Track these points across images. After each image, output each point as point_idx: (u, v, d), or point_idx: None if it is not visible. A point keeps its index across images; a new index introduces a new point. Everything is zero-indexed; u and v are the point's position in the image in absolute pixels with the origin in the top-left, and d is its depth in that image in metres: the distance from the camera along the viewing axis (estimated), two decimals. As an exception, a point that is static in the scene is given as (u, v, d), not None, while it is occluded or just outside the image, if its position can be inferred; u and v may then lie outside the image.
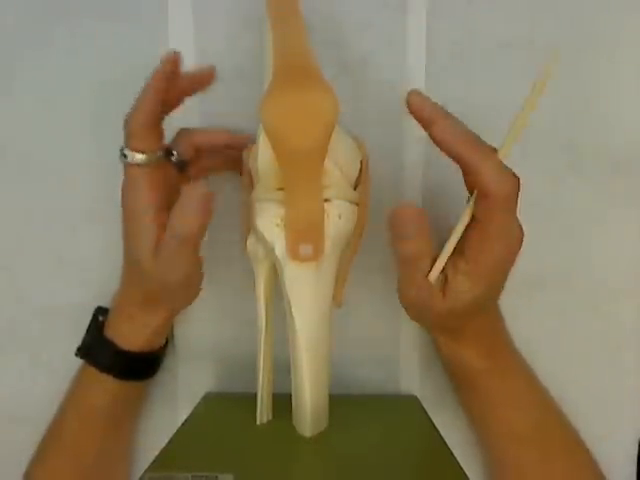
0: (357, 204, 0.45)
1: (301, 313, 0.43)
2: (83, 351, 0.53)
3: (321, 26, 0.53)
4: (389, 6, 0.54)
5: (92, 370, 0.51)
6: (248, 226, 0.46)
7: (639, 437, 0.57)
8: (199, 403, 0.53)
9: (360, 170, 0.46)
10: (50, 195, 0.56)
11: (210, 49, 0.55)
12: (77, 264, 0.56)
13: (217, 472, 0.38)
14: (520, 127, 0.42)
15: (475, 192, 0.42)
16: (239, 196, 0.50)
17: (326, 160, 0.42)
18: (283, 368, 0.46)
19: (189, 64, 0.55)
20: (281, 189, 0.43)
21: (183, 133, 0.51)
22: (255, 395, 0.48)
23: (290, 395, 0.46)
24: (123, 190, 0.47)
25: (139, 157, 0.46)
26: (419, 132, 0.52)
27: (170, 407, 0.57)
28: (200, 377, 0.57)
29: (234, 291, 0.53)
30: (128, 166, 0.47)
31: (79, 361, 0.53)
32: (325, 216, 0.43)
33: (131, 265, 0.49)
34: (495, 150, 0.42)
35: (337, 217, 0.43)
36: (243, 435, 0.46)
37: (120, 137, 0.55)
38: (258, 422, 0.48)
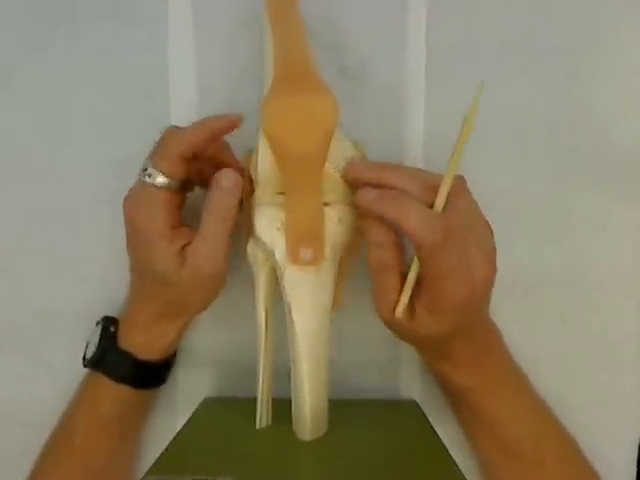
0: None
1: (301, 317, 0.43)
2: (94, 362, 0.52)
3: (320, 28, 0.53)
4: (389, 7, 0.54)
5: (104, 380, 0.51)
6: (248, 230, 0.46)
7: (639, 437, 0.57)
8: (198, 408, 0.53)
9: (360, 173, 0.46)
10: (50, 195, 0.56)
11: (210, 49, 0.55)
12: (77, 265, 0.56)
13: (216, 476, 0.38)
14: (458, 157, 0.42)
15: None
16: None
17: (326, 164, 0.42)
18: (283, 372, 0.46)
19: (189, 64, 0.55)
20: (281, 193, 0.43)
21: (177, 158, 0.46)
22: (254, 400, 0.48)
23: (289, 400, 0.46)
24: (133, 208, 0.46)
25: (162, 180, 0.45)
26: (419, 133, 0.53)
27: (169, 412, 0.57)
28: (199, 382, 0.57)
29: (234, 295, 0.53)
30: (146, 185, 0.45)
31: (80, 361, 0.53)
32: (325, 220, 0.43)
33: (149, 280, 0.48)
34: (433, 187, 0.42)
35: (337, 221, 0.44)
36: (242, 439, 0.46)
37: (119, 136, 0.55)
38: (257, 426, 0.48)
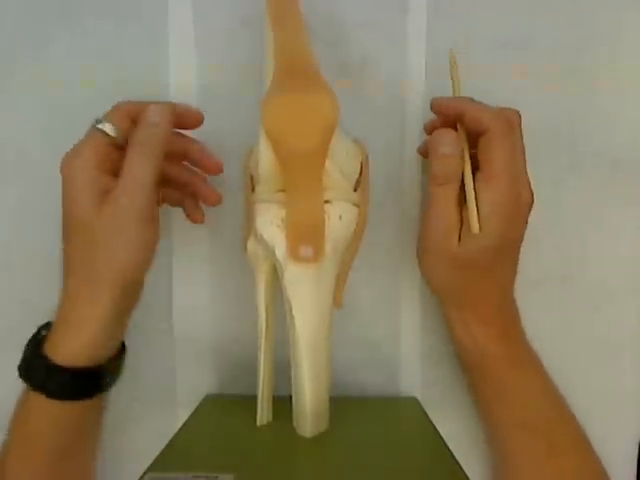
0: (357, 205, 0.45)
1: (302, 314, 0.43)
2: (21, 370, 0.47)
3: (321, 26, 0.53)
4: (389, 6, 0.54)
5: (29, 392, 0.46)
6: (249, 227, 0.46)
7: (639, 437, 0.57)
8: (199, 405, 0.53)
9: (360, 171, 0.46)
10: (50, 195, 0.56)
11: (210, 49, 0.55)
12: (77, 265, 0.56)
13: (217, 472, 0.39)
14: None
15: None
16: (240, 197, 0.50)
17: (327, 161, 0.42)
18: (283, 369, 0.46)
19: (189, 64, 0.55)
20: (282, 191, 0.43)
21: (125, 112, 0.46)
22: (255, 397, 0.48)
23: (290, 397, 0.46)
24: (69, 152, 0.45)
25: (106, 127, 0.44)
26: (419, 132, 0.53)
27: (170, 409, 0.57)
28: (200, 379, 0.57)
29: (234, 292, 0.53)
30: (95, 131, 0.44)
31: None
32: (326, 217, 0.43)
33: (73, 238, 0.46)
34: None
35: (338, 218, 0.44)
36: (243, 436, 0.46)
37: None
38: (258, 423, 0.48)
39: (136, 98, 0.54)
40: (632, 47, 0.55)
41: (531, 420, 0.51)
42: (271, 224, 0.43)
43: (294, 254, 0.42)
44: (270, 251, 0.44)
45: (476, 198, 0.45)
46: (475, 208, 0.45)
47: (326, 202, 0.43)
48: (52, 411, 0.45)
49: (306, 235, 0.42)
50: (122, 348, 0.50)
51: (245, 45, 0.54)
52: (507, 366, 0.50)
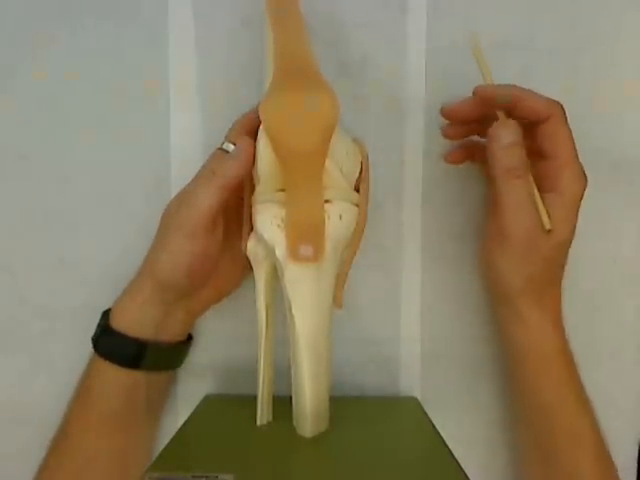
0: (357, 205, 0.45)
1: (302, 314, 0.43)
2: (93, 343, 0.51)
3: (321, 26, 0.53)
4: (389, 6, 0.54)
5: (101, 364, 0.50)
6: (249, 227, 0.46)
7: (639, 437, 0.57)
8: (199, 404, 0.52)
9: (360, 171, 0.46)
10: (50, 195, 0.56)
11: (210, 49, 0.55)
12: (77, 264, 0.56)
13: (217, 472, 0.38)
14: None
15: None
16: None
17: (327, 161, 0.42)
18: (283, 370, 0.46)
19: (189, 64, 0.55)
20: (282, 190, 0.43)
21: None
22: (255, 397, 0.48)
23: (290, 398, 0.46)
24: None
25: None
26: (419, 132, 0.53)
27: (170, 409, 0.57)
28: (200, 379, 0.57)
29: (234, 292, 0.53)
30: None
31: (80, 361, 0.52)
32: (326, 217, 0.43)
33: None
34: None
35: (338, 218, 0.44)
36: (243, 436, 0.46)
37: (119, 136, 0.55)
38: (258, 423, 0.48)
39: (136, 98, 0.55)
40: (632, 47, 0.55)
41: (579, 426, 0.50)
42: (271, 224, 0.43)
43: (294, 254, 0.42)
44: (270, 251, 0.44)
45: (539, 190, 0.45)
46: (542, 204, 0.45)
47: (326, 201, 0.43)
48: (108, 375, 0.49)
49: (306, 235, 0.42)
50: (186, 341, 0.54)
51: (245, 45, 0.54)
52: (567, 364, 0.50)
